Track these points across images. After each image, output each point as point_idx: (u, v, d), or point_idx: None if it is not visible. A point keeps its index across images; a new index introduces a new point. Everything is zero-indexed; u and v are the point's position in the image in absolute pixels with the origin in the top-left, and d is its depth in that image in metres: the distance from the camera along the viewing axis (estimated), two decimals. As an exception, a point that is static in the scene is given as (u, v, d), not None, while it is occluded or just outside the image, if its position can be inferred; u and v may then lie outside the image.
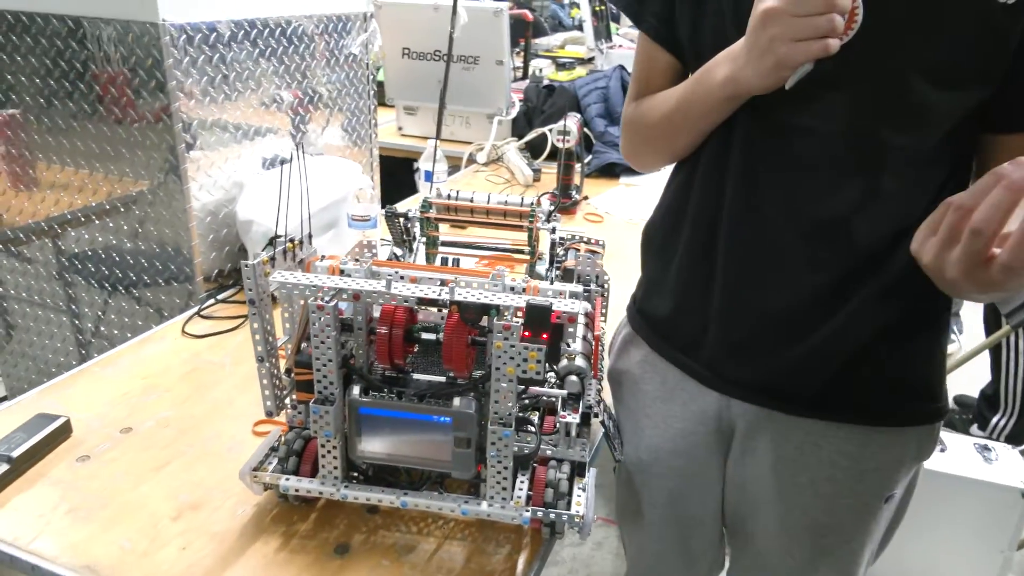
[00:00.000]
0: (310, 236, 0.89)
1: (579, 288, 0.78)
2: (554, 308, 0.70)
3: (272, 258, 0.81)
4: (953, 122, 0.69)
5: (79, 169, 1.38)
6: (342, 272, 0.80)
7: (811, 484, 0.82)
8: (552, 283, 0.79)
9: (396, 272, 0.77)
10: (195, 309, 1.31)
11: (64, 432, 0.96)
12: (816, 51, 0.62)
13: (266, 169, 1.50)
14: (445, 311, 0.84)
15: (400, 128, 2.64)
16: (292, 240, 0.84)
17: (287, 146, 1.54)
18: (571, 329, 0.77)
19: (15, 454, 0.88)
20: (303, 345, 0.82)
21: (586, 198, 1.93)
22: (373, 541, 0.82)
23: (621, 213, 1.90)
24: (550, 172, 2.04)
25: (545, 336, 0.71)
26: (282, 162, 1.54)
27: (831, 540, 0.85)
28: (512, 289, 0.75)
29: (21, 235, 1.53)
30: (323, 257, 0.84)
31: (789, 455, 0.82)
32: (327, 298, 0.74)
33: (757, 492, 0.87)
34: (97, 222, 1.41)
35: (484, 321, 0.76)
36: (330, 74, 1.62)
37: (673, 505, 0.93)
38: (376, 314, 0.79)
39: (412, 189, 2.04)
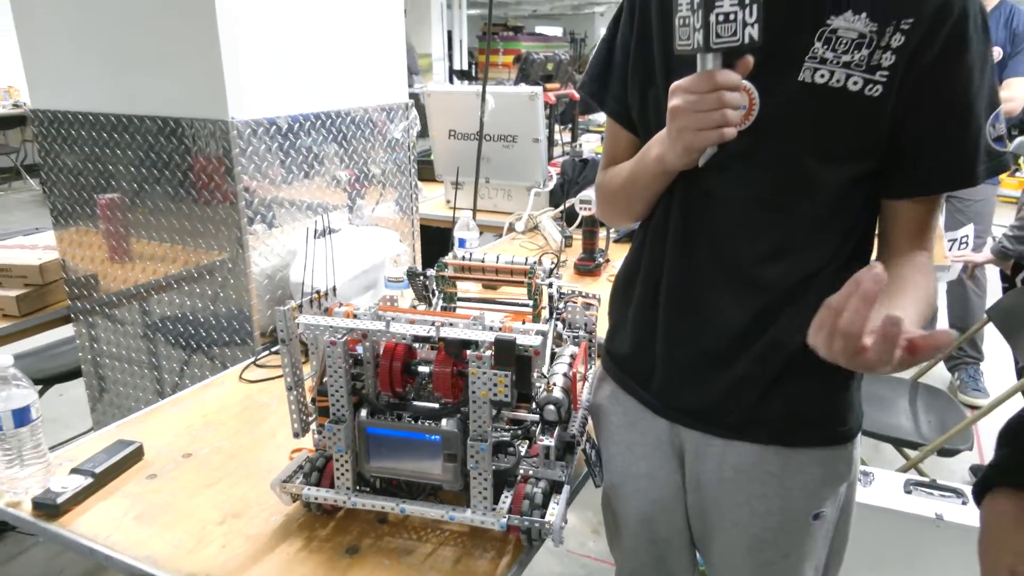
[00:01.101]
0: (334, 289, 1.08)
1: (546, 328, 0.93)
2: (517, 342, 0.86)
3: (300, 306, 0.99)
4: (841, 190, 0.83)
5: (163, 243, 1.63)
6: (355, 316, 0.98)
7: (747, 502, 0.93)
8: (548, 330, 0.95)
9: (395, 315, 0.94)
10: (251, 359, 1.51)
11: (137, 455, 1.15)
12: (714, 138, 0.77)
13: (316, 238, 1.73)
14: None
15: (448, 201, 2.88)
16: (318, 291, 1.03)
17: (336, 218, 1.77)
18: (539, 361, 0.92)
19: (98, 470, 1.08)
20: (324, 378, 1.00)
21: (608, 261, 2.08)
22: (379, 545, 0.97)
23: (644, 274, 2.03)
24: (580, 238, 2.21)
25: (513, 367, 0.86)
26: (328, 232, 1.77)
27: (769, 555, 0.95)
28: (488, 328, 0.91)
29: (114, 299, 1.79)
30: (341, 304, 1.03)
31: (728, 476, 0.94)
32: (339, 335, 0.91)
33: (710, 512, 0.97)
34: (177, 288, 1.65)
35: (468, 355, 0.91)
36: (377, 155, 1.86)
37: (644, 525, 1.04)
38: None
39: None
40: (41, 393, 2.29)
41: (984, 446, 2.66)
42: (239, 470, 1.14)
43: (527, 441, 1.03)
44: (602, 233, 2.09)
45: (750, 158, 0.83)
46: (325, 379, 1.00)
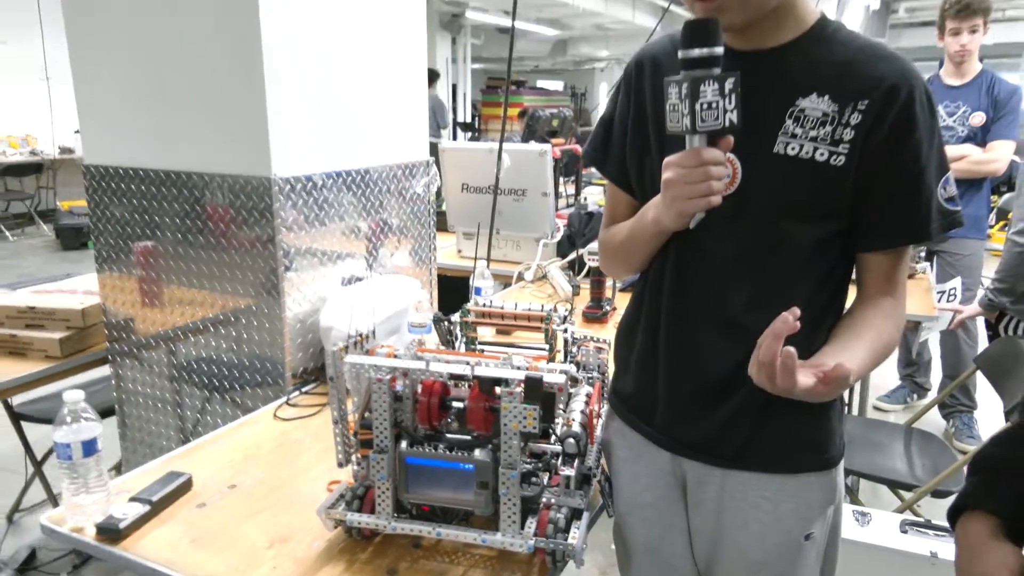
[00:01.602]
0: (374, 332, 1.19)
1: (570, 367, 1.04)
2: (544, 379, 0.97)
3: (346, 347, 1.10)
4: (814, 246, 0.95)
5: (201, 289, 1.75)
6: (395, 356, 1.09)
7: (744, 525, 1.03)
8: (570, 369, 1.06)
9: (433, 356, 1.06)
10: (284, 399, 1.62)
11: (187, 486, 1.25)
12: (703, 205, 0.91)
13: (344, 285, 1.85)
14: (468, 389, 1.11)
15: (460, 251, 3.01)
16: (361, 334, 1.14)
17: (360, 267, 1.89)
18: (562, 397, 1.03)
19: (154, 499, 1.17)
20: (366, 414, 1.11)
21: (614, 309, 2.20)
22: (415, 568, 1.06)
23: (649, 321, 2.15)
24: (587, 287, 2.33)
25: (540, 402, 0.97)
26: (356, 280, 1.89)
27: (767, 575, 1.04)
28: (517, 367, 1.02)
29: (151, 342, 1.90)
30: (382, 346, 1.14)
31: (727, 502, 1.04)
32: (385, 373, 1.02)
33: (712, 537, 1.07)
34: (212, 332, 1.77)
35: (498, 391, 1.02)
36: (398, 208, 1.99)
37: (651, 552, 1.14)
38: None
39: (467, 302, 2.36)
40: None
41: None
42: (281, 500, 1.23)
43: (547, 473, 1.13)
44: (608, 283, 2.21)
45: (734, 219, 0.96)
46: (367, 414, 1.11)
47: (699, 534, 1.10)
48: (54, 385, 1.92)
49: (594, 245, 2.10)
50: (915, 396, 3.56)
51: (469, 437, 1.05)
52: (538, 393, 0.96)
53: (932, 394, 3.50)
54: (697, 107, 0.88)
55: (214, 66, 1.60)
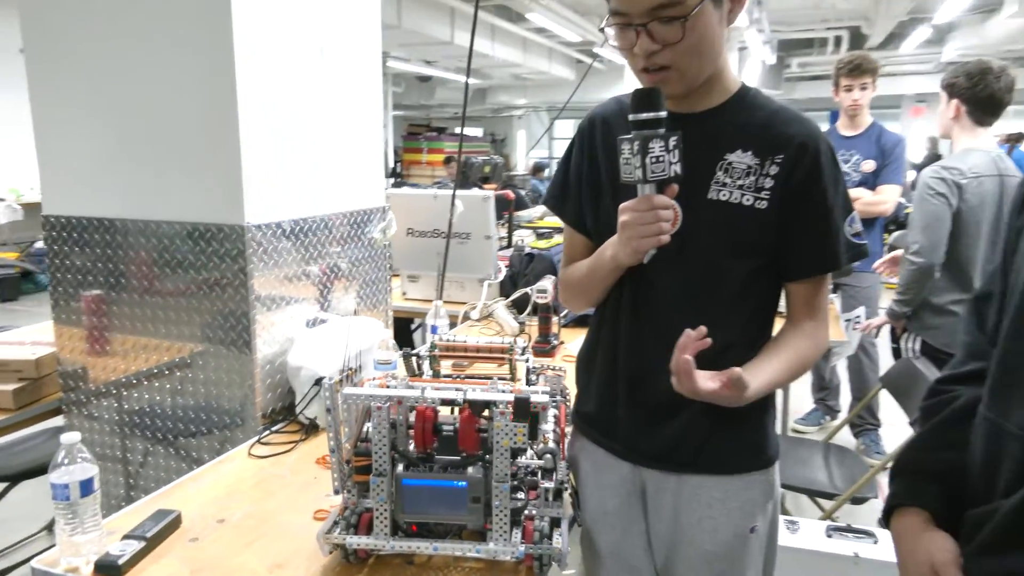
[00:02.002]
0: (360, 367, 1.29)
1: (548, 388, 1.17)
2: (531, 400, 1.09)
3: (340, 381, 1.19)
4: (745, 278, 1.13)
5: (162, 335, 1.78)
6: (387, 387, 1.19)
7: (699, 523, 1.18)
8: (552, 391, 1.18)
9: (425, 385, 1.16)
10: (256, 438, 1.66)
11: (177, 522, 1.29)
12: (655, 243, 1.07)
13: (309, 327, 1.92)
14: (456, 413, 1.22)
15: (404, 293, 3.11)
16: (351, 368, 1.24)
17: (325, 308, 1.97)
18: (545, 415, 1.15)
19: (148, 535, 1.21)
20: (359, 442, 1.19)
21: (562, 343, 2.35)
22: (411, 582, 1.14)
23: (593, 354, 2.30)
24: (533, 324, 2.47)
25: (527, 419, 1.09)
26: (320, 321, 1.96)
27: (720, 567, 1.19)
28: (503, 391, 1.14)
29: (111, 390, 1.90)
30: (374, 378, 1.23)
31: (682, 505, 1.19)
32: (383, 402, 1.12)
33: (670, 536, 1.21)
34: (180, 376, 1.80)
35: (485, 413, 1.14)
36: (358, 252, 2.09)
37: (614, 556, 1.27)
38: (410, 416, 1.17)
39: (411, 343, 2.45)
40: (6, 491, 2.31)
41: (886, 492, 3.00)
42: (272, 531, 1.29)
43: (522, 489, 1.24)
44: (555, 319, 2.36)
45: (677, 256, 1.12)
46: (361, 442, 1.20)
47: (657, 536, 1.24)
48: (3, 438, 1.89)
49: (542, 284, 2.25)
50: (828, 418, 3.85)
51: (458, 458, 1.16)
52: (526, 412, 1.09)
53: (843, 415, 3.80)
54: (647, 161, 1.05)
55: (187, 118, 1.67)
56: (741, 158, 1.11)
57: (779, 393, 1.38)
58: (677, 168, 1.05)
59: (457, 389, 1.15)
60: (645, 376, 1.19)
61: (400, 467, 1.14)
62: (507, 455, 1.10)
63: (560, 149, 20.03)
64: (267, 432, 1.70)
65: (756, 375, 1.08)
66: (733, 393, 1.01)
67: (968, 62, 2.50)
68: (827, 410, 3.85)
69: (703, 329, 0.99)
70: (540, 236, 4.39)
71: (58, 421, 2.42)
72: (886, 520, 1.02)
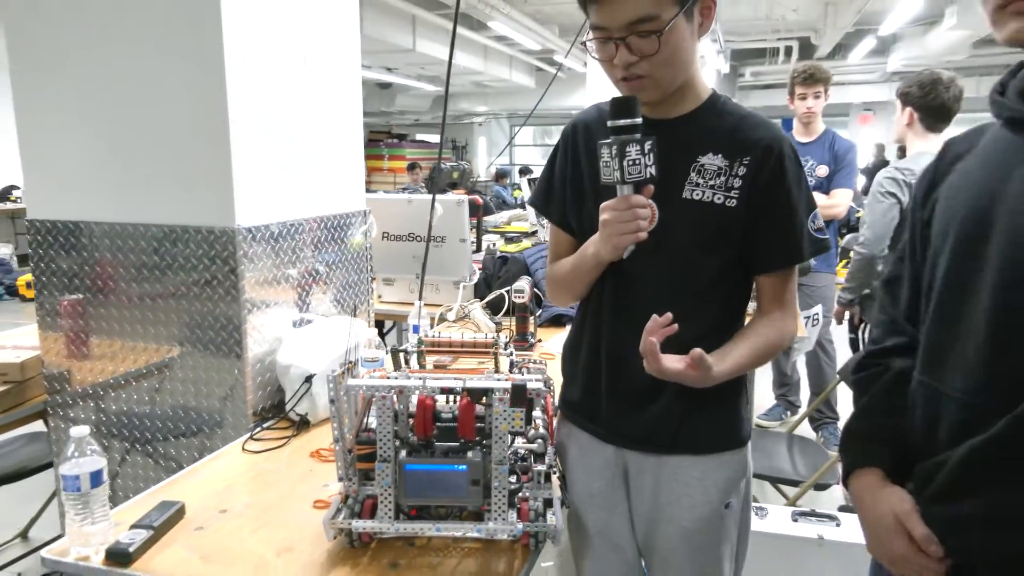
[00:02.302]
0: (355, 361, 1.35)
1: (539, 376, 1.25)
2: (527, 386, 1.17)
3: (343, 373, 1.25)
4: (717, 272, 1.23)
5: (150, 337, 1.81)
6: (388, 378, 1.25)
7: (678, 500, 1.27)
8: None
9: (424, 376, 1.23)
10: (248, 434, 1.71)
11: (181, 513, 1.33)
12: (633, 239, 1.16)
13: (296, 327, 1.96)
14: (453, 403, 1.29)
15: (379, 296, 3.15)
16: (351, 362, 1.30)
17: (310, 308, 2.02)
18: (538, 402, 1.23)
19: (155, 524, 1.26)
20: (362, 431, 1.25)
21: (540, 341, 2.43)
22: (415, 563, 1.20)
23: (568, 352, 2.39)
24: (508, 324, 2.55)
25: (524, 404, 1.17)
26: (306, 322, 2.01)
27: (698, 540, 1.28)
28: (499, 379, 1.21)
29: (88, 391, 1.92)
30: (374, 371, 1.30)
31: (662, 484, 1.28)
32: (387, 392, 1.19)
33: (651, 513, 1.30)
34: (169, 376, 1.83)
35: (483, 401, 1.21)
36: (341, 255, 2.14)
37: (601, 535, 1.35)
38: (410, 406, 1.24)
39: (384, 345, 2.50)
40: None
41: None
42: (274, 519, 1.34)
43: (514, 473, 1.32)
44: (531, 318, 2.44)
45: (655, 252, 1.21)
46: (362, 432, 1.26)
47: (639, 515, 1.33)
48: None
49: (519, 284, 2.33)
50: (788, 413, 4.01)
51: (457, 444, 1.23)
52: (523, 398, 1.16)
53: (803, 410, 3.96)
54: (624, 163, 1.14)
55: (177, 123, 1.71)
56: (712, 160, 1.21)
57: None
58: (652, 170, 1.14)
59: (456, 378, 1.22)
60: (625, 363, 1.27)
61: (403, 453, 1.21)
62: (506, 439, 1.17)
63: (521, 156, 20.20)
64: (259, 429, 1.74)
65: (723, 358, 1.18)
66: (698, 373, 1.11)
67: (921, 73, 2.69)
68: (788, 405, 4.01)
69: (669, 316, 1.10)
70: (509, 240, 4.47)
71: (37, 426, 2.42)
72: (846, 482, 1.12)
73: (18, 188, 8.09)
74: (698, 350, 1.10)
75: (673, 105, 1.24)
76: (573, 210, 1.34)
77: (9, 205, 7.89)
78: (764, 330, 1.27)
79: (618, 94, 1.19)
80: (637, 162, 1.13)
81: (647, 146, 1.13)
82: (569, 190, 1.34)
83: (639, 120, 1.14)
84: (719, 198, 1.20)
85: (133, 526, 1.25)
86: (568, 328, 2.69)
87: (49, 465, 2.30)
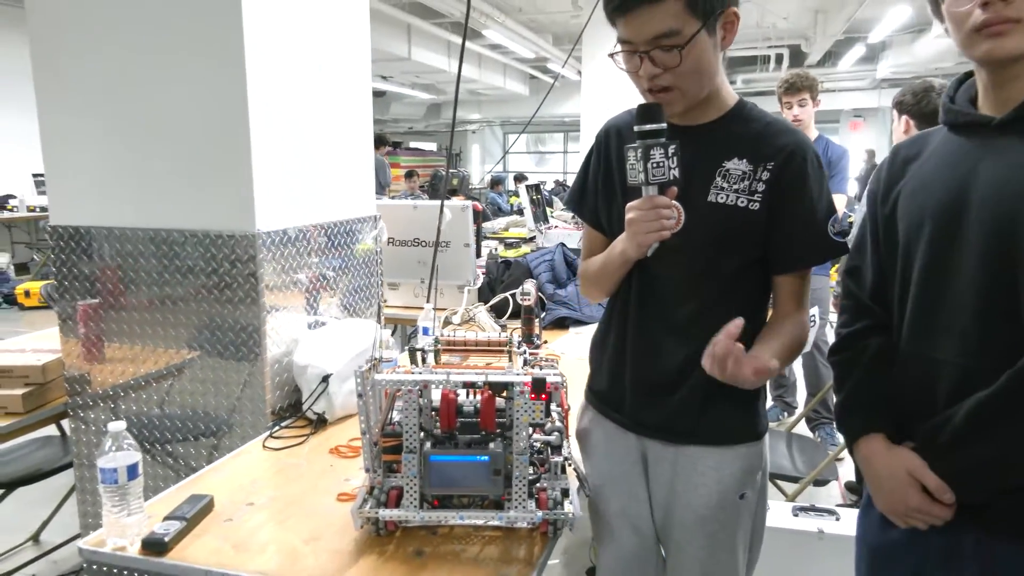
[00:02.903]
0: (380, 358, 1.41)
1: (556, 370, 1.31)
2: (547, 380, 1.23)
3: (370, 369, 1.31)
4: (737, 272, 1.28)
5: (170, 339, 1.86)
6: (412, 373, 1.31)
7: (695, 488, 1.33)
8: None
9: (448, 371, 1.29)
10: (267, 432, 1.76)
11: (211, 506, 1.38)
12: (656, 238, 1.22)
13: (311, 328, 2.02)
14: (473, 397, 1.34)
15: (385, 300, 3.20)
16: (376, 359, 1.36)
17: (325, 311, 2.08)
18: (556, 395, 1.29)
19: (188, 516, 1.31)
20: (388, 425, 1.31)
21: (546, 342, 2.49)
22: (439, 551, 1.26)
23: (572, 354, 2.45)
24: (514, 326, 2.61)
25: (544, 396, 1.23)
26: (320, 324, 2.07)
27: (712, 527, 1.34)
28: (518, 373, 1.27)
29: (109, 392, 1.96)
30: (399, 366, 1.35)
31: (680, 472, 1.34)
32: (413, 386, 1.24)
33: (668, 500, 1.36)
34: (189, 378, 1.88)
35: (504, 394, 1.27)
36: (353, 258, 2.20)
37: (622, 516, 1.41)
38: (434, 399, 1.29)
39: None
40: (2, 498, 2.34)
41: (844, 477, 3.23)
42: (300, 511, 1.40)
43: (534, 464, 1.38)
44: (536, 320, 2.50)
45: (680, 252, 1.27)
46: (387, 425, 1.32)
47: (657, 501, 1.39)
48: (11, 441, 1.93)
49: (525, 286, 2.39)
50: (785, 414, 4.08)
51: (479, 435, 1.28)
52: (543, 390, 1.22)
53: (800, 411, 4.03)
54: (649, 166, 1.20)
55: (198, 129, 1.77)
56: (737, 165, 1.27)
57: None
58: (675, 172, 1.20)
59: (478, 373, 1.28)
60: (649, 357, 1.34)
61: (428, 445, 1.27)
62: (526, 430, 1.23)
63: (515, 164, 20.29)
64: (277, 427, 1.79)
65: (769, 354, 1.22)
66: (759, 378, 1.14)
67: (914, 82, 2.80)
68: (785, 406, 4.08)
69: (740, 320, 1.13)
70: (508, 246, 4.54)
71: (50, 430, 2.47)
72: (851, 449, 1.21)
73: (15, 197, 8.09)
74: (766, 357, 1.13)
75: (700, 113, 1.31)
76: (603, 209, 1.41)
77: (6, 214, 7.90)
78: (790, 328, 1.31)
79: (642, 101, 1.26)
80: (661, 164, 1.20)
81: (671, 150, 1.19)
82: (602, 190, 1.42)
83: (663, 125, 1.21)
84: (743, 201, 1.26)
85: (166, 517, 1.31)
86: (571, 330, 2.78)
87: (62, 468, 2.34)
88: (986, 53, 0.99)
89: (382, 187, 8.76)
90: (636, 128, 1.22)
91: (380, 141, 8.55)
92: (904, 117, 2.77)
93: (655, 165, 1.20)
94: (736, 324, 1.12)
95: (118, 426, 1.26)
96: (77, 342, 1.95)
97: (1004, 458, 0.99)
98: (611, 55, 1.25)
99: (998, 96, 1.02)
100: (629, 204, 1.25)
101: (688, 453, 1.34)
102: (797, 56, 11.97)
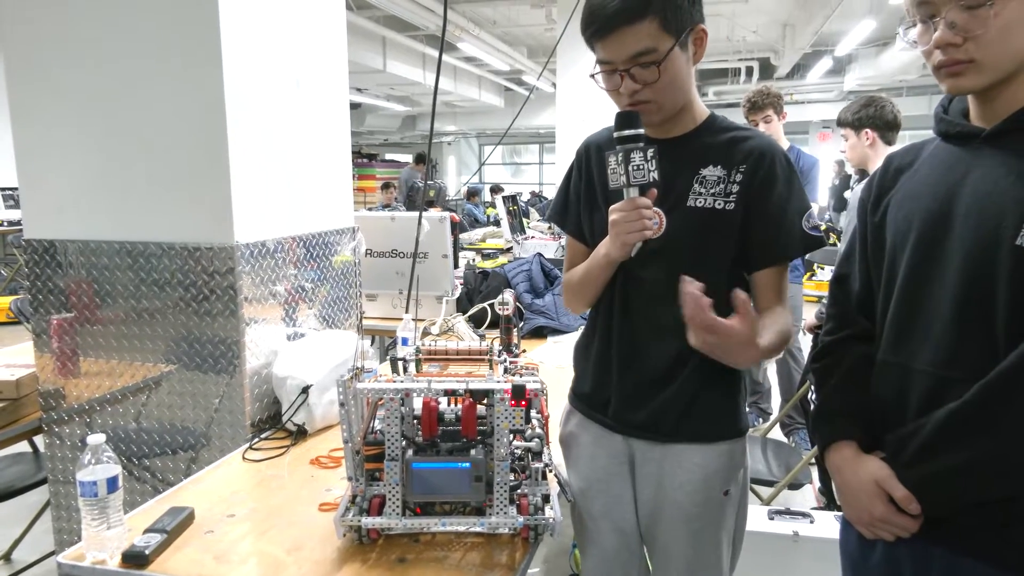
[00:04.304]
0: (362, 367, 1.42)
1: (536, 378, 1.33)
2: (527, 386, 1.25)
3: (351, 378, 1.32)
4: (717, 273, 1.31)
5: (148, 352, 1.85)
6: (394, 382, 1.32)
7: (681, 486, 1.36)
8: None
9: (429, 379, 1.30)
10: (247, 444, 1.76)
11: (191, 518, 1.38)
12: (639, 237, 1.26)
13: (290, 340, 2.02)
14: (454, 405, 1.36)
15: (364, 312, 3.20)
16: (359, 368, 1.37)
17: (304, 322, 2.08)
18: (536, 402, 1.31)
19: (169, 528, 1.30)
20: (369, 433, 1.32)
21: (524, 351, 2.51)
22: (421, 557, 1.27)
23: (551, 362, 2.48)
24: (492, 336, 2.62)
25: (524, 403, 1.25)
26: (299, 335, 2.07)
27: (698, 524, 1.36)
28: (499, 381, 1.29)
29: (85, 407, 1.95)
30: (380, 375, 1.36)
31: (666, 470, 1.36)
32: (395, 394, 1.26)
33: (654, 497, 1.38)
34: (167, 390, 1.86)
35: (484, 401, 1.28)
36: (332, 269, 2.20)
37: (606, 518, 1.43)
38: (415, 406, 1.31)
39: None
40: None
41: (818, 480, 3.27)
42: (282, 522, 1.40)
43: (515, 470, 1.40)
44: (515, 330, 2.52)
45: (662, 255, 1.32)
46: (369, 434, 1.33)
47: (643, 500, 1.41)
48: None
49: (504, 296, 2.41)
50: (760, 420, 4.14)
51: (461, 442, 1.30)
52: (523, 397, 1.24)
53: (774, 416, 4.09)
54: (630, 168, 1.25)
55: (175, 143, 1.77)
56: (712, 171, 1.32)
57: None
58: (655, 175, 1.25)
59: (459, 381, 1.29)
60: (635, 358, 1.37)
61: (410, 452, 1.28)
62: (507, 436, 1.25)
63: (491, 175, 20.35)
64: (257, 439, 1.79)
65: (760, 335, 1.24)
66: (744, 328, 1.14)
67: (861, 98, 2.94)
68: (760, 413, 4.14)
69: (699, 284, 1.15)
70: (485, 257, 4.56)
71: (22, 447, 2.43)
72: (821, 460, 1.23)
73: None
74: (743, 295, 1.14)
75: (674, 126, 1.36)
76: (586, 220, 1.46)
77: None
78: (777, 319, 1.33)
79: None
80: (641, 167, 1.25)
81: (650, 153, 1.25)
82: (583, 203, 1.46)
83: (641, 131, 1.26)
84: (719, 204, 1.31)
85: (147, 530, 1.30)
86: (549, 339, 2.81)
87: (35, 485, 2.30)
88: (948, 89, 1.04)
89: (419, 203, 8.71)
90: (616, 134, 1.27)
91: (419, 159, 8.66)
92: (866, 131, 2.87)
93: (635, 168, 1.25)
94: (691, 281, 1.14)
95: (97, 439, 1.26)
96: (51, 356, 1.93)
97: (971, 471, 0.98)
98: (592, 76, 1.30)
99: (986, 109, 1.05)
100: (612, 207, 1.29)
101: (675, 451, 1.37)
102: (767, 68, 12.20)
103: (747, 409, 4.12)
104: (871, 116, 2.86)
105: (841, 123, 3.03)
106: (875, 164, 2.91)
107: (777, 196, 1.31)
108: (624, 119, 1.26)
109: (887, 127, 2.86)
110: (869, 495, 1.09)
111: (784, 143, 3.70)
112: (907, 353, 1.08)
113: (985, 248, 0.98)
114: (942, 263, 1.04)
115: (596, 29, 1.25)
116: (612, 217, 1.28)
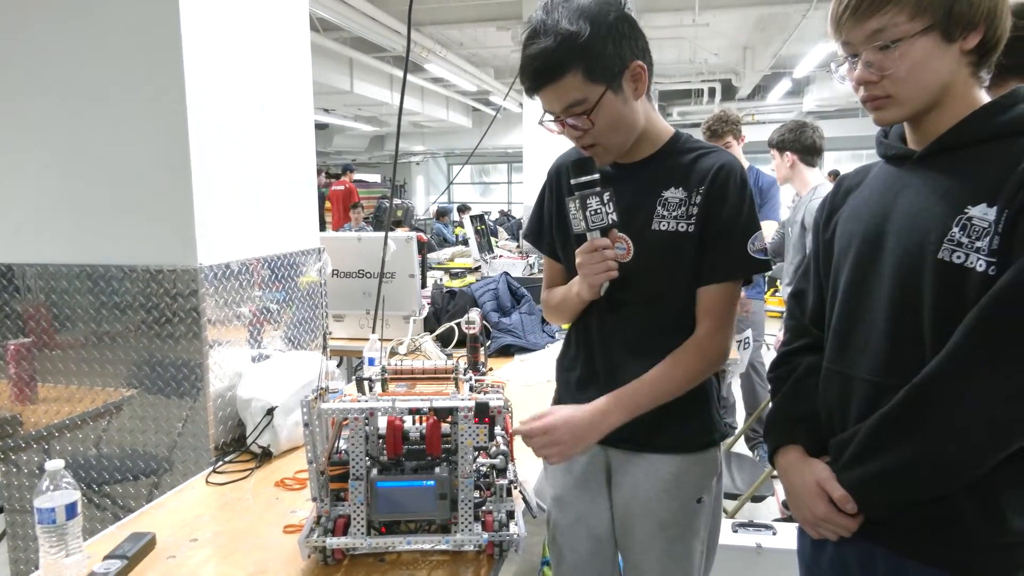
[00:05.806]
0: (327, 387, 1.42)
1: (500, 395, 1.35)
2: (490, 403, 1.27)
3: (316, 398, 1.32)
4: (685, 291, 1.36)
5: (109, 376, 1.83)
6: (359, 402, 1.33)
7: (656, 495, 1.39)
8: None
9: (394, 398, 1.31)
10: (211, 468, 1.74)
11: (152, 544, 1.36)
12: (605, 278, 1.31)
13: (254, 362, 2.01)
14: (420, 423, 1.37)
15: (330, 332, 3.19)
16: (323, 388, 1.37)
17: (269, 344, 2.07)
18: (500, 419, 1.33)
19: (129, 554, 1.29)
20: (334, 453, 1.32)
21: (491, 370, 2.53)
22: (386, 576, 1.28)
23: (518, 380, 2.50)
24: (459, 355, 2.64)
25: (487, 420, 1.26)
26: (264, 357, 2.06)
27: (672, 532, 1.39)
28: (463, 399, 1.31)
29: (41, 433, 1.91)
30: (345, 395, 1.37)
31: (641, 479, 1.39)
32: (359, 414, 1.26)
33: (630, 506, 1.41)
34: (128, 415, 1.84)
35: (449, 419, 1.30)
36: (297, 291, 2.20)
37: (582, 523, 1.46)
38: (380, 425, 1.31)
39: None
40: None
41: (780, 493, 3.33)
42: (245, 545, 1.39)
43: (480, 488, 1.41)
44: (481, 349, 2.54)
45: (633, 277, 1.36)
46: (334, 454, 1.33)
47: (619, 508, 1.44)
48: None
49: (470, 315, 2.43)
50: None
51: (425, 461, 1.31)
52: (486, 414, 1.26)
53: (739, 430, 4.15)
54: (587, 214, 1.31)
55: (137, 165, 1.76)
56: (674, 193, 1.36)
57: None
58: (613, 216, 1.31)
59: (423, 399, 1.31)
60: (614, 371, 1.40)
61: (374, 471, 1.28)
62: (471, 454, 1.26)
63: (460, 194, 20.40)
64: (221, 463, 1.77)
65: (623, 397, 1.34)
66: (542, 427, 1.32)
67: (789, 122, 3.19)
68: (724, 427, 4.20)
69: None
70: (453, 276, 4.58)
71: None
72: (772, 460, 1.28)
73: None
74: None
75: (635, 151, 1.40)
76: (559, 242, 1.51)
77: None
78: (680, 360, 1.35)
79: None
80: (598, 211, 1.31)
81: (606, 196, 1.31)
82: (556, 226, 1.51)
83: (596, 176, 1.32)
84: (682, 227, 1.35)
85: (107, 557, 1.28)
86: (516, 357, 2.83)
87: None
88: (875, 120, 1.12)
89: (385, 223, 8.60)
90: (572, 181, 1.33)
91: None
92: (787, 154, 3.09)
93: (593, 212, 1.31)
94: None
95: (56, 464, 1.24)
96: (8, 382, 1.90)
97: (901, 472, 1.03)
98: (540, 123, 1.35)
99: (917, 133, 1.12)
100: (577, 251, 1.34)
101: (650, 460, 1.40)
102: (729, 90, 12.48)
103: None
104: (792, 140, 3.08)
105: (769, 144, 3.22)
106: (798, 184, 3.12)
107: (727, 215, 1.35)
108: (578, 166, 1.32)
109: (806, 151, 3.08)
110: (812, 496, 1.14)
111: (744, 163, 3.79)
112: (848, 362, 1.14)
113: (912, 262, 1.05)
114: (877, 277, 1.10)
115: (527, 87, 1.32)
116: (578, 261, 1.34)
